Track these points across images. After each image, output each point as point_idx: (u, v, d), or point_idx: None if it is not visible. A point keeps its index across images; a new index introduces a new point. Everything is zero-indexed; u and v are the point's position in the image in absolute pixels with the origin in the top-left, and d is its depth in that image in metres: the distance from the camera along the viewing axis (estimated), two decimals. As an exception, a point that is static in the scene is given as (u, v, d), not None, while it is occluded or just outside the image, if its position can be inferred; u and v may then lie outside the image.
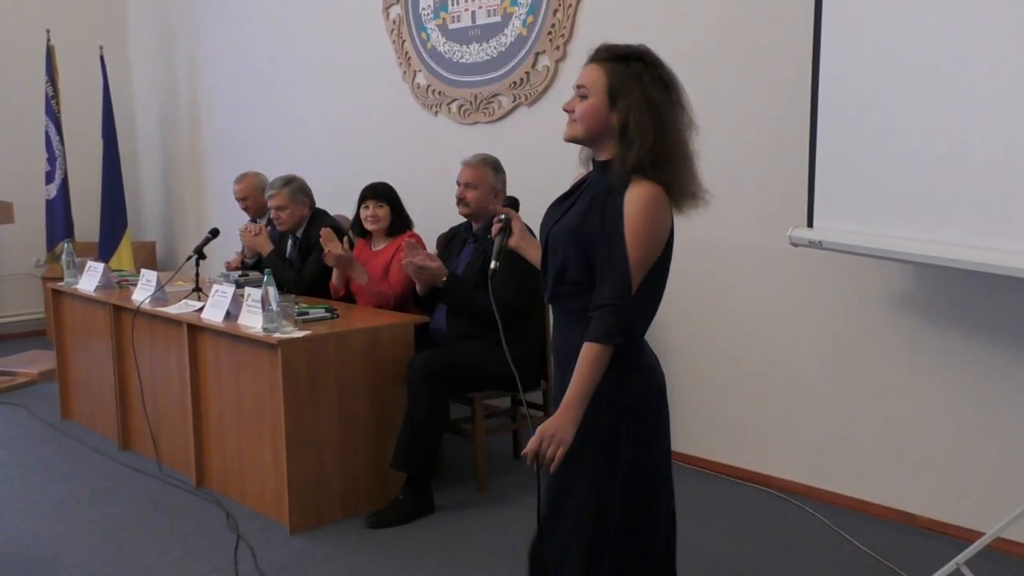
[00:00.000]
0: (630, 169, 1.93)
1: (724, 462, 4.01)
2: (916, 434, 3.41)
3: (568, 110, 2.04)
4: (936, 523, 3.36)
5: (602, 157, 2.04)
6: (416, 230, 4.30)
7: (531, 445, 1.89)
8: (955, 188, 2.67)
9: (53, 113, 6.72)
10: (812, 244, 3.21)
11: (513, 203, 2.37)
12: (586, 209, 1.99)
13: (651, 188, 1.91)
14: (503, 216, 2.27)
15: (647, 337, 2.14)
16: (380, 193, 4.16)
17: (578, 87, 2.01)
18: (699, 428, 4.08)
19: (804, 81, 3.25)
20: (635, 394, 2.02)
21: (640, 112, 1.91)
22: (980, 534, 2.88)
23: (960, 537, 3.22)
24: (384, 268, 4.09)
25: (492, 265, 2.20)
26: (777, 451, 3.83)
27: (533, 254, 2.27)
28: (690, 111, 2.01)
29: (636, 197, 1.91)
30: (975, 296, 3.21)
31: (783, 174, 3.65)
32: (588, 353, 1.90)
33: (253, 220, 5.18)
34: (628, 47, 2.01)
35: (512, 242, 2.26)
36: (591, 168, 2.12)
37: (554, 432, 1.88)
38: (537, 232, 2.24)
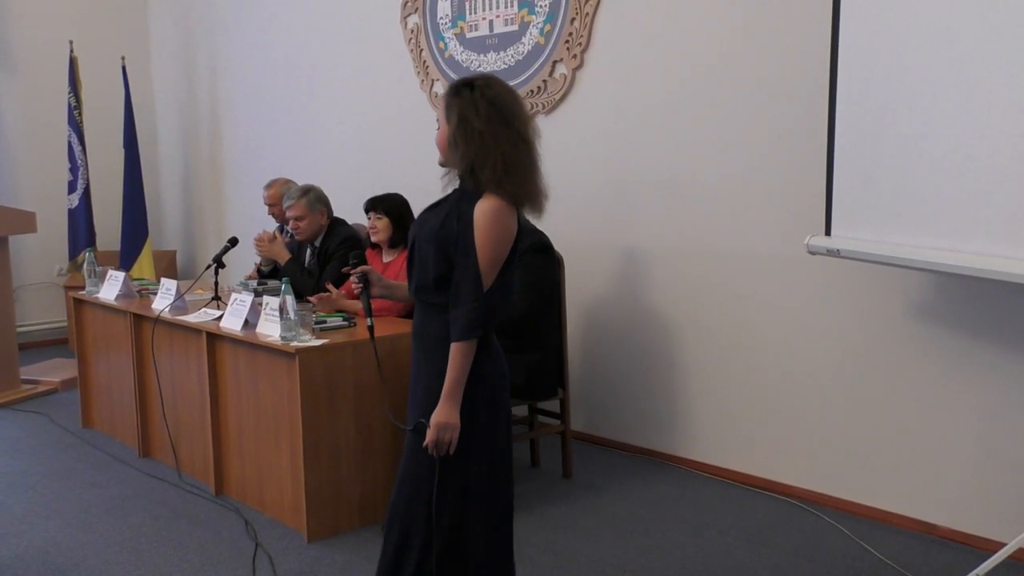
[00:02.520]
0: (461, 179, 2.25)
1: (742, 471, 3.99)
2: (936, 443, 3.38)
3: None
4: (957, 533, 3.33)
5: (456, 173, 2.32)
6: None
7: (430, 437, 2.22)
8: (974, 196, 2.65)
9: (76, 123, 6.79)
10: (830, 252, 3.19)
11: (361, 258, 2.59)
12: (445, 217, 2.26)
13: (495, 201, 2.19)
14: (358, 275, 2.47)
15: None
16: (377, 204, 4.19)
17: (437, 120, 2.31)
18: (717, 437, 4.07)
19: (822, 89, 3.24)
20: (488, 385, 2.29)
21: (459, 131, 2.20)
22: (1002, 544, 2.85)
23: (981, 548, 3.19)
24: (394, 279, 4.09)
25: (368, 322, 2.49)
26: (796, 460, 3.81)
27: (399, 293, 2.58)
28: (522, 125, 2.23)
29: (483, 209, 2.19)
30: (995, 305, 3.18)
31: (800, 182, 3.63)
32: (456, 350, 2.20)
33: (280, 227, 5.23)
34: (467, 76, 2.30)
35: (375, 292, 2.52)
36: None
37: (445, 422, 2.21)
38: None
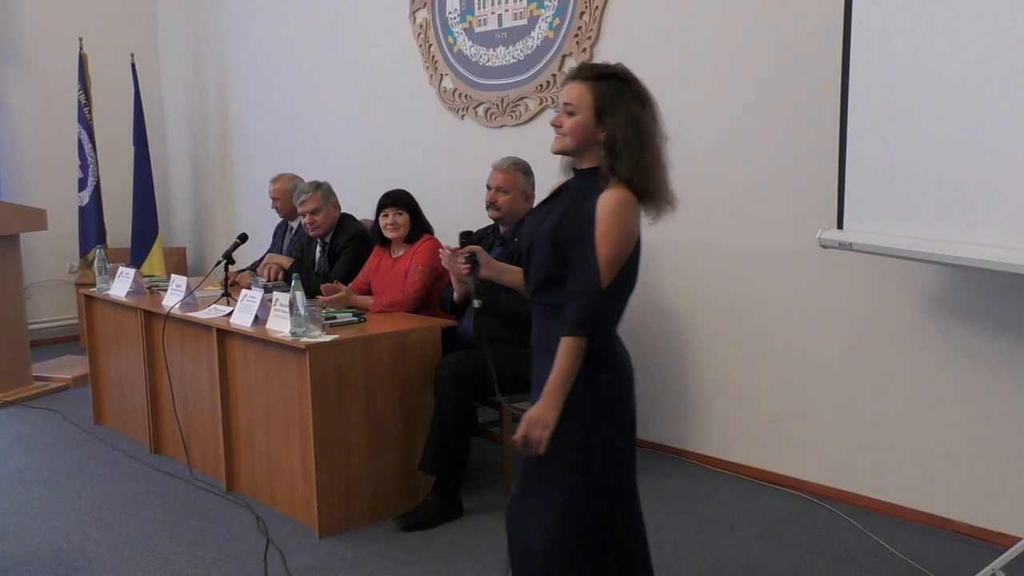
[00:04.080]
0: (621, 179, 2.09)
1: (754, 466, 3.97)
2: (950, 438, 3.36)
3: (556, 125, 2.19)
4: (972, 528, 3.31)
5: (584, 166, 2.20)
6: (443, 234, 4.30)
7: (520, 431, 2.07)
8: (989, 188, 2.63)
9: (85, 120, 6.81)
10: (842, 246, 3.17)
11: (469, 237, 2.52)
12: (564, 213, 2.15)
13: (622, 193, 2.07)
14: (467, 255, 2.41)
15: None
16: (399, 200, 4.15)
17: (565, 104, 2.17)
18: (730, 432, 4.05)
19: (834, 82, 3.22)
20: (606, 393, 2.16)
21: (626, 127, 2.09)
22: (1017, 539, 2.84)
23: (997, 542, 3.17)
24: (404, 274, 4.09)
25: (476, 304, 2.39)
26: (809, 455, 3.79)
27: (507, 278, 2.47)
28: (662, 124, 2.16)
29: (607, 200, 2.07)
30: (1010, 298, 3.16)
31: (813, 175, 3.61)
32: (562, 346, 2.06)
33: (284, 222, 5.23)
34: (609, 66, 2.18)
35: (483, 274, 2.44)
36: (571, 176, 2.28)
37: (538, 417, 2.06)
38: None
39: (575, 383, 2.08)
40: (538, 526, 2.20)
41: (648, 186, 2.10)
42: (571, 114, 2.14)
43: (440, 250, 3.64)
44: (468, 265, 2.39)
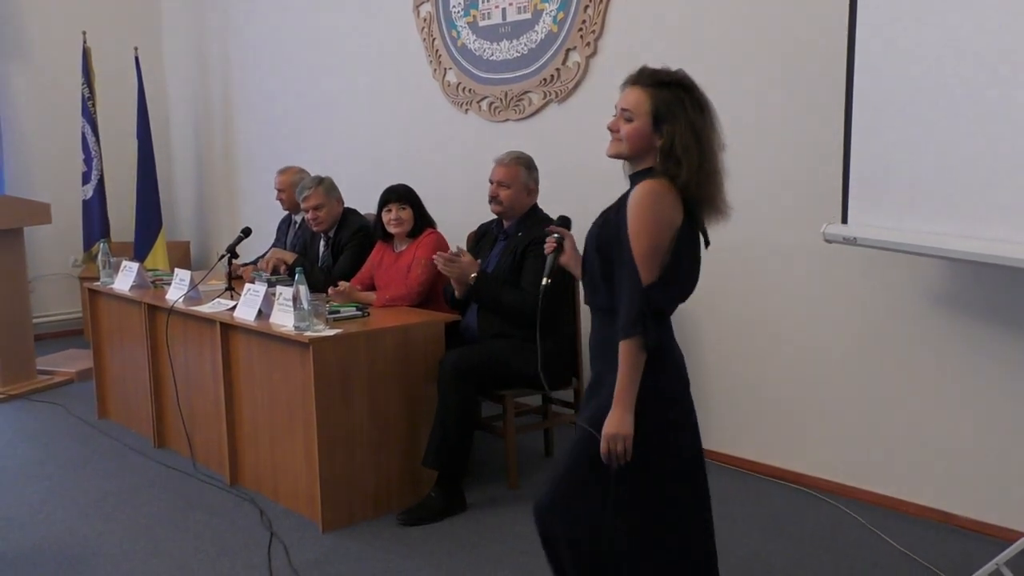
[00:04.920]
0: (677, 186, 2.08)
1: (757, 460, 3.97)
2: (953, 432, 3.36)
3: (613, 129, 2.19)
4: (975, 522, 3.31)
5: (639, 169, 2.19)
6: (446, 228, 4.30)
7: (603, 448, 2.06)
8: (993, 183, 2.62)
9: (89, 114, 6.81)
10: (847, 240, 3.16)
11: (566, 222, 2.50)
12: (607, 215, 2.17)
13: (651, 183, 2.07)
14: (557, 235, 2.40)
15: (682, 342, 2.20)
16: (402, 195, 4.13)
17: (623, 110, 2.15)
18: (732, 426, 4.05)
19: (838, 75, 3.21)
20: (666, 393, 2.17)
21: (686, 136, 2.07)
22: (1021, 534, 2.84)
23: (1000, 537, 3.17)
24: (407, 269, 4.09)
25: (544, 281, 2.36)
26: (811, 449, 3.79)
27: (576, 270, 2.40)
28: (721, 133, 2.15)
29: (635, 194, 2.07)
30: (1015, 293, 3.15)
31: (817, 169, 3.60)
32: (621, 351, 2.05)
33: (288, 215, 5.23)
34: (668, 72, 2.17)
35: (563, 260, 2.39)
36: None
37: (615, 431, 2.04)
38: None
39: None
40: (608, 525, 2.16)
41: (705, 194, 2.10)
42: (628, 120, 2.14)
43: (436, 255, 3.66)
44: (555, 246, 2.37)
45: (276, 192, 5.23)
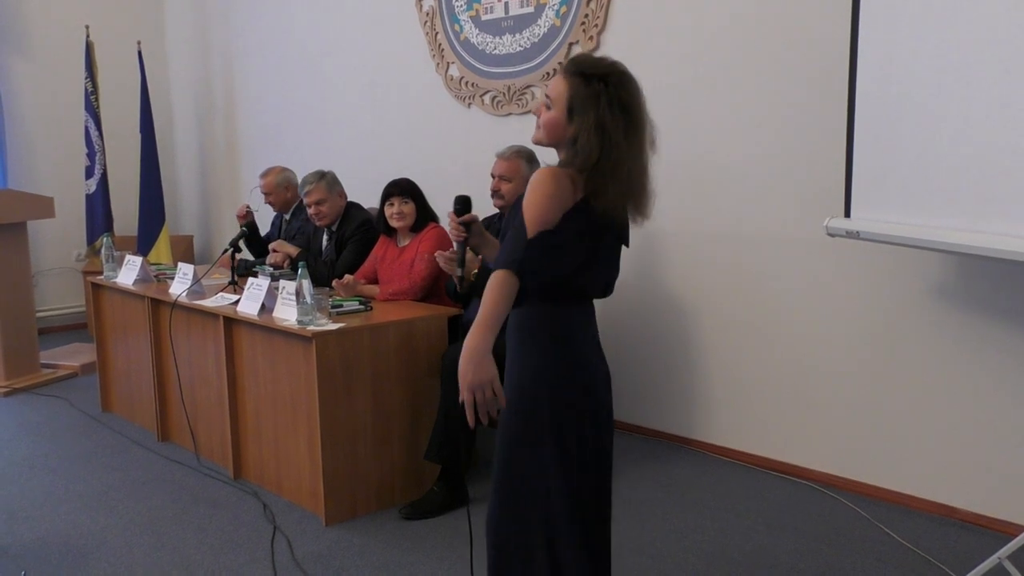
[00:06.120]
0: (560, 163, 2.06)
1: (760, 454, 3.97)
2: (957, 426, 3.36)
3: (536, 115, 2.15)
4: (977, 516, 3.31)
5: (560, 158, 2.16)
6: (448, 223, 4.28)
7: (466, 403, 1.93)
8: (996, 176, 2.61)
9: (92, 108, 6.82)
10: (849, 234, 3.16)
11: (466, 204, 2.39)
12: (518, 203, 2.10)
13: (548, 168, 2.04)
14: (461, 221, 2.32)
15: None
16: (405, 189, 4.13)
17: (546, 96, 2.12)
18: (734, 420, 4.05)
19: (842, 69, 3.20)
20: (545, 382, 2.14)
21: (588, 133, 2.02)
22: (1023, 528, 2.83)
23: (1002, 531, 3.17)
24: (410, 263, 4.08)
25: (458, 272, 2.35)
26: (814, 443, 3.79)
27: (486, 251, 2.39)
28: (648, 131, 2.11)
29: (534, 174, 2.04)
30: (1018, 287, 3.15)
31: (820, 163, 3.60)
32: (492, 277, 1.97)
33: (279, 215, 5.23)
34: (597, 63, 2.10)
35: (472, 243, 2.36)
36: None
37: (480, 379, 1.92)
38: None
39: (526, 354, 2.11)
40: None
41: (599, 190, 2.03)
42: (548, 108, 2.10)
43: (436, 254, 3.65)
44: (465, 233, 2.32)
45: (263, 196, 5.20)
